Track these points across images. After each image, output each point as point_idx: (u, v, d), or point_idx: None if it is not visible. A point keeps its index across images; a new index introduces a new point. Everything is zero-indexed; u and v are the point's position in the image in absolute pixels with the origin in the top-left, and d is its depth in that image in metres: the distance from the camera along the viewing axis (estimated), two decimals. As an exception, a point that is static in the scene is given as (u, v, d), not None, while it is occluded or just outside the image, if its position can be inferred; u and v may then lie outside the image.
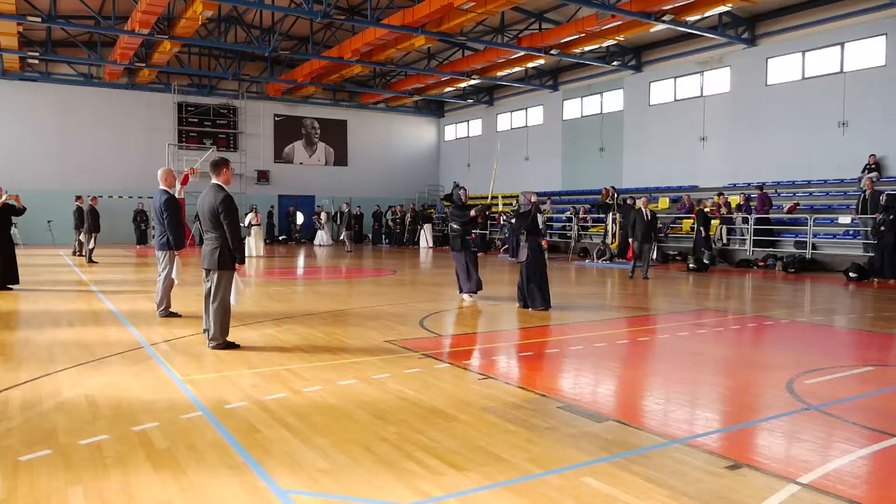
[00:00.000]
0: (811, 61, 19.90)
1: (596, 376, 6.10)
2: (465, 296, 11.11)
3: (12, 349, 6.93)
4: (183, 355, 6.58)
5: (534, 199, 10.19)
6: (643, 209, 15.21)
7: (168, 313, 9.02)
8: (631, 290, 13.16)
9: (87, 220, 18.56)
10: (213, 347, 6.78)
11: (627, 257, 16.41)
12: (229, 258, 6.72)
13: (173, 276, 8.90)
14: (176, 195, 9.16)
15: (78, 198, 21.12)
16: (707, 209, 20.09)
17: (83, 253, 20.36)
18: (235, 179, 26.02)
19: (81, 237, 20.51)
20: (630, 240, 15.90)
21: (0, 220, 11.78)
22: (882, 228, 14.34)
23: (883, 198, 14.87)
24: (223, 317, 6.81)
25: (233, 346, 6.89)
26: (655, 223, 15.75)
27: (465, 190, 11.94)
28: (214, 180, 6.84)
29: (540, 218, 10.27)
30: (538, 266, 10.03)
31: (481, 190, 33.22)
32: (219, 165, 6.88)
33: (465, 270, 11.04)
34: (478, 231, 26.52)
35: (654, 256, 16.28)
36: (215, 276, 6.75)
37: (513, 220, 10.29)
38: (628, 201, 21.92)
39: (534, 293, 9.97)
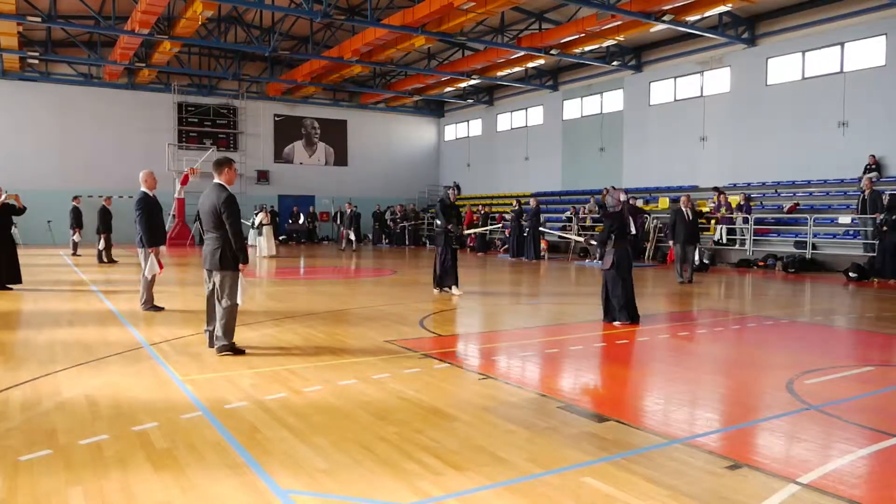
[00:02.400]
0: (811, 61, 19.89)
1: (596, 376, 6.10)
2: (453, 289, 11.73)
3: (12, 349, 6.93)
4: (183, 355, 6.58)
5: (623, 197, 9.00)
6: (683, 209, 14.24)
7: (151, 307, 9.39)
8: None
9: (98, 220, 18.50)
10: (219, 351, 6.57)
11: (668, 259, 15.56)
12: (231, 259, 6.55)
13: (146, 273, 9.26)
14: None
15: (75, 198, 21.11)
16: (706, 209, 20.16)
17: (78, 253, 20.38)
18: (235, 179, 26.06)
19: (76, 237, 20.53)
20: (671, 242, 14.86)
21: (0, 219, 11.80)
22: (885, 228, 14.30)
23: (885, 197, 14.83)
24: (228, 320, 6.57)
25: (239, 351, 6.64)
26: (697, 223, 14.73)
27: (453, 190, 12.49)
28: (217, 179, 6.70)
29: (632, 220, 8.99)
30: (620, 276, 8.65)
31: (481, 190, 33.31)
32: (221, 165, 6.75)
33: (441, 264, 11.73)
34: (477, 231, 26.51)
35: (696, 259, 14.86)
36: (218, 277, 6.59)
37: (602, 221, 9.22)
38: (630, 201, 21.92)
39: (616, 306, 8.69)
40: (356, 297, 11.55)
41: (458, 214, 12.44)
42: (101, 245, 18.36)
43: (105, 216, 18.56)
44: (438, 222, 12.08)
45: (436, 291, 11.81)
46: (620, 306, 8.65)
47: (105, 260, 18.19)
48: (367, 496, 3.37)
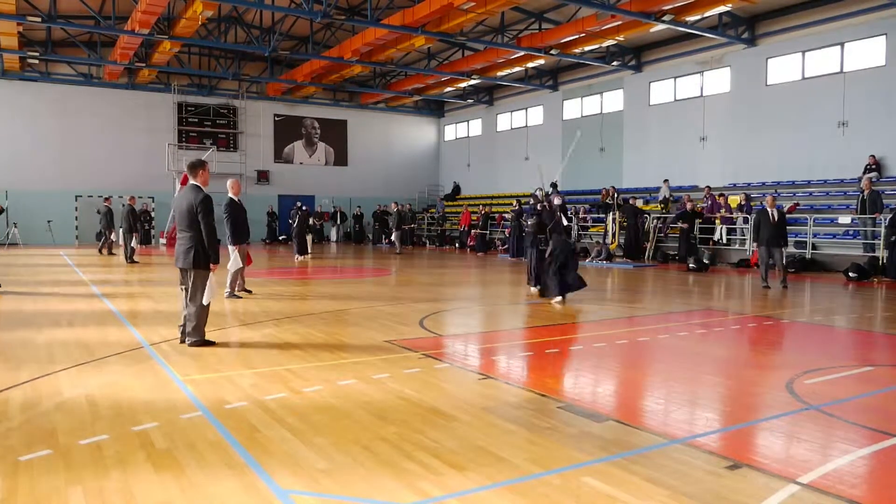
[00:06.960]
0: (811, 61, 19.89)
1: (596, 376, 6.10)
2: (533, 289, 11.98)
3: (12, 349, 6.93)
4: (183, 355, 6.58)
5: (557, 201, 11.38)
6: (768, 209, 13.20)
7: (231, 295, 10.71)
8: (629, 289, 13.15)
9: (129, 219, 18.69)
10: (191, 345, 6.92)
11: (751, 262, 14.65)
12: (204, 258, 6.86)
13: (230, 266, 10.58)
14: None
15: (107, 198, 21.60)
16: (697, 207, 20.24)
17: (112, 252, 20.35)
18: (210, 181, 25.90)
19: (114, 237, 20.59)
20: (754, 245, 14.01)
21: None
22: None
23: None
24: (200, 316, 6.94)
25: (209, 343, 7.02)
26: (784, 224, 13.47)
27: (560, 196, 11.83)
28: (192, 181, 7.06)
29: (562, 215, 11.15)
30: (556, 259, 10.83)
31: (481, 190, 33.32)
32: (196, 167, 7.09)
33: (534, 267, 12.04)
34: (478, 231, 26.40)
35: (784, 262, 13.56)
36: (191, 275, 6.87)
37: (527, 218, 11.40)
38: (630, 201, 21.93)
39: (550, 282, 10.88)
40: (356, 297, 11.55)
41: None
42: (134, 243, 18.80)
43: (134, 216, 19.24)
44: (530, 222, 12.54)
45: (533, 290, 12.04)
46: (553, 282, 10.74)
47: (130, 260, 18.16)
48: (367, 496, 3.37)
